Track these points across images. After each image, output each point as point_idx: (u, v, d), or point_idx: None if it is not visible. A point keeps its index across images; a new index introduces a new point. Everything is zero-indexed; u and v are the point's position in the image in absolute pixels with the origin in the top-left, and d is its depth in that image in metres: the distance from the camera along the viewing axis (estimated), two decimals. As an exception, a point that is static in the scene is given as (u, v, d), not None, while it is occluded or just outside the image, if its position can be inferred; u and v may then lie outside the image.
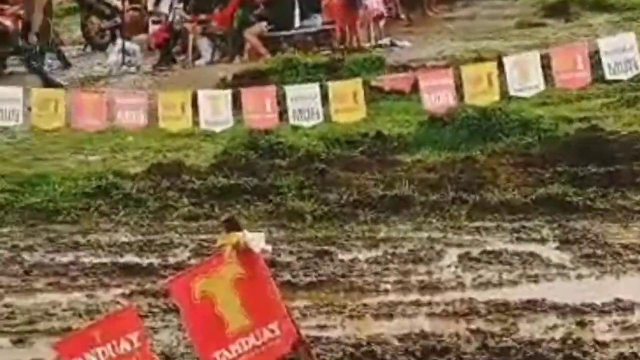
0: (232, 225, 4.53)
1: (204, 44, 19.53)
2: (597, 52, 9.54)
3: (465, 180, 9.45)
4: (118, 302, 7.43)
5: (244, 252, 4.45)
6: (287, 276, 7.82)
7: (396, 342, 6.41)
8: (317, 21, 19.82)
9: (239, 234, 4.47)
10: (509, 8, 24.63)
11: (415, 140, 11.16)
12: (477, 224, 8.86)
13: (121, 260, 8.62)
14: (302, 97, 10.35)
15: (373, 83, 11.86)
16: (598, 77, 10.18)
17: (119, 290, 7.82)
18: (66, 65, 19.50)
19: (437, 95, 9.90)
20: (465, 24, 22.72)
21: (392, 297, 7.42)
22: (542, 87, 9.64)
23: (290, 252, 8.51)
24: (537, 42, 18.19)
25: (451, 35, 20.80)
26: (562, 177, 9.33)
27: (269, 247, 4.63)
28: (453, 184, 9.35)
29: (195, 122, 10.49)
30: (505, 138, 10.58)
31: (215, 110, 10.43)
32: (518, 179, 9.28)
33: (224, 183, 10.37)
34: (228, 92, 10.82)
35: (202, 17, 19.69)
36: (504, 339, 6.37)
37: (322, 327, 6.81)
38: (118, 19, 20.67)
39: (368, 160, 10.65)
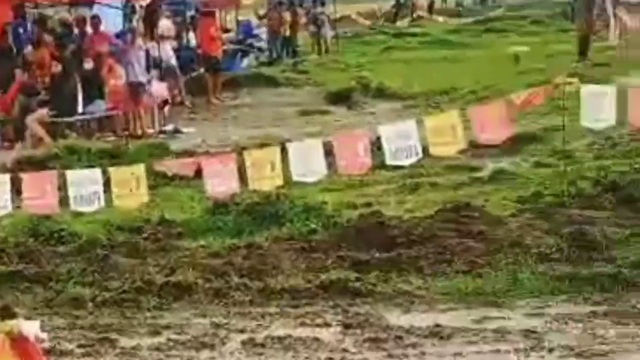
0: (6, 313, 4.36)
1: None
2: (379, 138, 9.77)
3: (249, 266, 9.40)
4: None
5: (18, 341, 4.26)
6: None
7: None
8: (101, 107, 19.60)
9: (13, 322, 4.29)
10: (293, 96, 25.06)
11: (200, 226, 11.07)
12: (261, 309, 8.81)
13: None
14: (84, 182, 10.17)
15: (156, 168, 11.73)
16: (380, 163, 10.42)
17: None
18: None
19: (221, 181, 9.92)
20: (250, 110, 22.97)
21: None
22: (324, 172, 9.79)
23: (71, 340, 8.23)
24: (320, 129, 18.52)
25: (236, 122, 20.95)
26: (345, 263, 9.40)
27: (45, 335, 4.45)
28: (237, 269, 9.29)
29: (-27, 208, 10.13)
30: (289, 224, 10.62)
31: (-5, 195, 10.12)
32: (302, 264, 9.29)
33: (2, 270, 9.99)
34: (7, 177, 10.51)
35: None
36: None
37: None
38: None
39: (151, 246, 10.48)
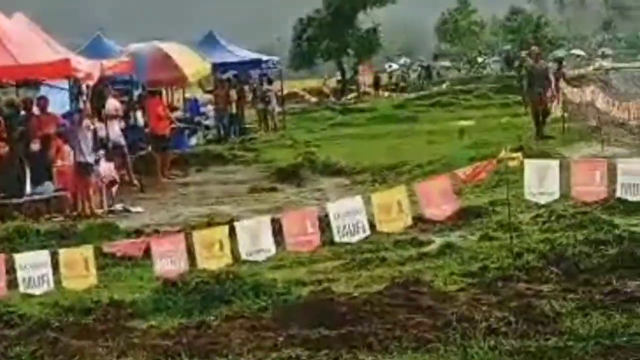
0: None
1: None
2: (327, 215, 9.86)
3: (199, 345, 9.36)
4: None
5: None
6: None
7: None
8: (49, 188, 19.54)
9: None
10: (241, 173, 25.17)
11: (149, 306, 11.03)
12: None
13: None
14: (32, 265, 10.15)
15: (105, 249, 11.69)
16: (329, 240, 10.49)
17: None
18: None
19: (170, 261, 9.95)
20: (199, 189, 23.03)
21: None
22: (273, 250, 9.86)
23: None
24: (269, 206, 18.60)
25: (185, 200, 20.97)
26: (296, 340, 9.39)
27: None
28: (187, 349, 9.24)
29: None
30: (238, 302, 10.61)
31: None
32: (252, 342, 9.27)
33: (-52, 356, 9.88)
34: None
35: None
36: None
37: None
38: None
39: (101, 328, 10.41)
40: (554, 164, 10.08)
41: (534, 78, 26.70)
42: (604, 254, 11.19)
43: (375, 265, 12.34)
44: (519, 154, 10.48)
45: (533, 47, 29.44)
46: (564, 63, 59.31)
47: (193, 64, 30.35)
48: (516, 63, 42.95)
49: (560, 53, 71.27)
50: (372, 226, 9.85)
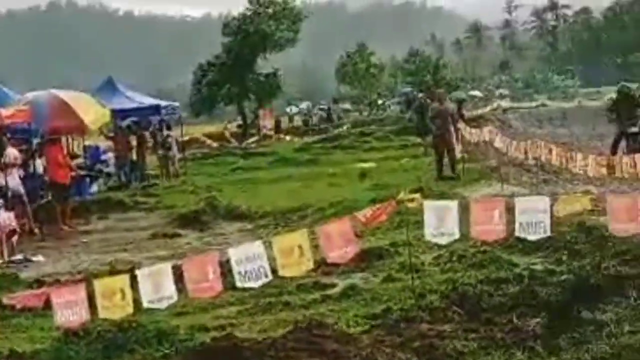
0: None
1: None
2: (228, 260, 9.86)
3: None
4: None
5: None
6: None
7: None
8: (-54, 238, 19.18)
9: None
10: (143, 220, 24.99)
11: (51, 357, 10.86)
12: None
13: None
14: None
15: (5, 301, 11.52)
16: (231, 285, 10.47)
17: None
18: None
19: (71, 311, 9.84)
20: (101, 236, 22.79)
21: None
22: (175, 297, 9.82)
23: None
24: (171, 252, 18.51)
25: (86, 248, 20.75)
26: (199, 385, 9.35)
27: None
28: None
29: None
30: (141, 350, 10.51)
31: None
32: (155, 391, 9.21)
33: None
34: None
35: None
36: None
37: None
38: None
39: (2, 381, 10.25)
40: (453, 204, 10.24)
41: (438, 119, 26.92)
42: (505, 293, 11.34)
43: (279, 309, 12.34)
44: (418, 195, 10.63)
45: (437, 89, 29.81)
46: (464, 104, 60.40)
47: (92, 111, 30.06)
48: (413, 105, 43.43)
49: (458, 94, 72.37)
50: (275, 270, 9.88)
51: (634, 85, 34.79)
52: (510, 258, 13.62)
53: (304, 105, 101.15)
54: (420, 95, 46.65)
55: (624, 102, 27.74)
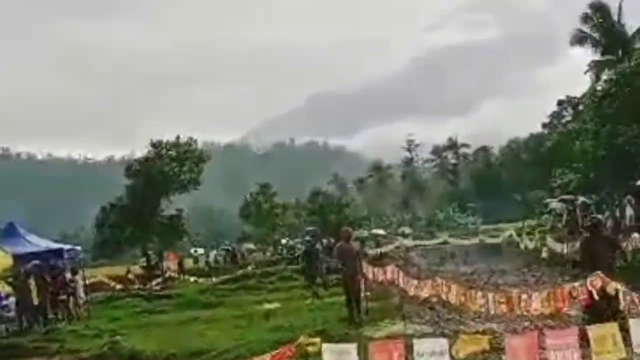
0: None
1: None
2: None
3: None
4: None
5: None
6: None
7: None
8: None
9: None
10: None
11: None
12: None
13: None
14: None
15: None
16: None
17: None
18: None
19: None
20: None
21: None
22: None
23: None
24: None
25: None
26: None
27: None
28: None
29: None
30: None
31: None
32: None
33: None
34: None
35: None
36: None
37: None
38: None
39: None
40: (352, 347, 10.45)
41: (346, 259, 26.43)
42: None
43: None
44: (318, 339, 10.81)
45: (344, 228, 29.61)
46: (366, 243, 61.01)
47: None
48: (318, 245, 43.78)
49: (361, 233, 73.11)
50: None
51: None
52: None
53: (208, 245, 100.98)
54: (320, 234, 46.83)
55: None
